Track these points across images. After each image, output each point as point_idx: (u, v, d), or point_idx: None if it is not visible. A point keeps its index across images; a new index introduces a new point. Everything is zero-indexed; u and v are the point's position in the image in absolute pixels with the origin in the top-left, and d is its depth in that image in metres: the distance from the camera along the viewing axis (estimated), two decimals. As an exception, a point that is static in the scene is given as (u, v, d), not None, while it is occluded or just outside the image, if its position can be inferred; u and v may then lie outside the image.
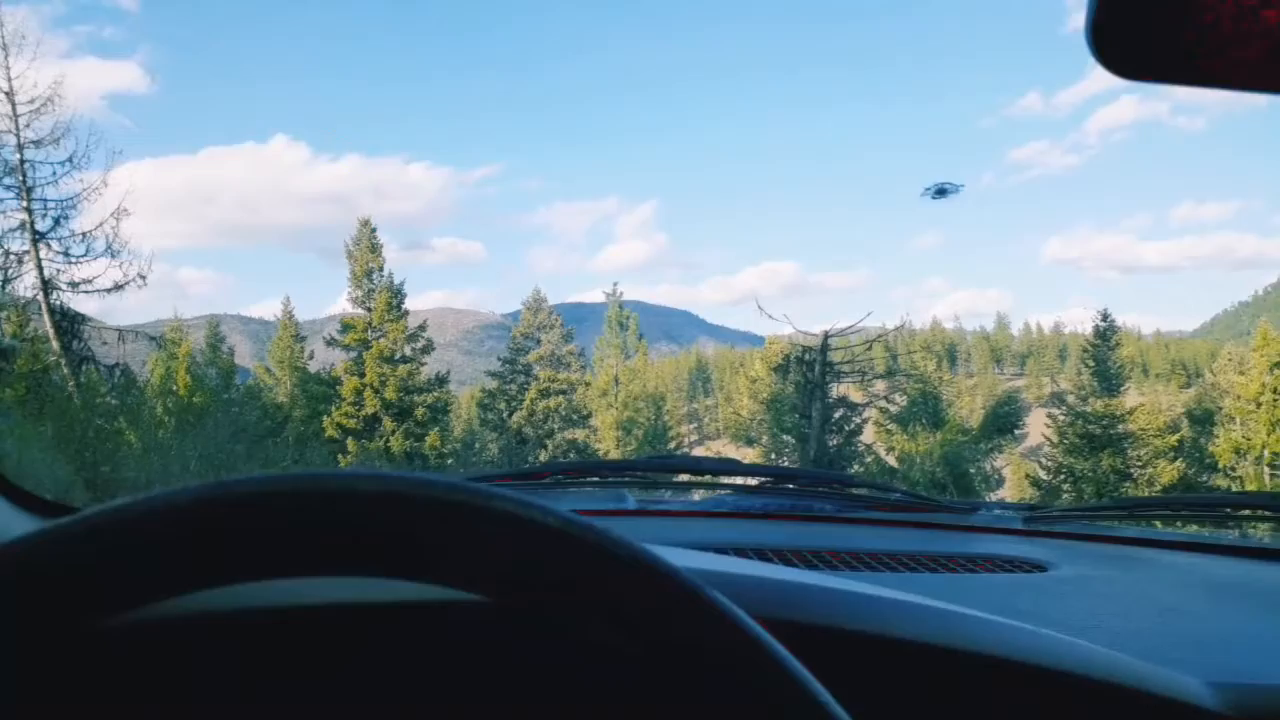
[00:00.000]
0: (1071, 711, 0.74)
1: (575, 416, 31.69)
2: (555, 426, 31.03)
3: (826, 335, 22.47)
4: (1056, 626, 0.80)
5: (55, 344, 18.48)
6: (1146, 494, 22.40)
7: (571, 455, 30.08)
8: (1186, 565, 1.46)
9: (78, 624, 0.45)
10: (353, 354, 27.29)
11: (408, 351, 27.67)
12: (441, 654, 0.69)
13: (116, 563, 0.44)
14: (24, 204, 18.95)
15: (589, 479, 1.82)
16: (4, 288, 18.58)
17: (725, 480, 1.83)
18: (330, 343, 27.88)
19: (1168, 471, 24.11)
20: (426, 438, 26.39)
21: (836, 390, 23.97)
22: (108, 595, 0.44)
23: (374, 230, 27.83)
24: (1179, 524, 2.05)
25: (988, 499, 25.04)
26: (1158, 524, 2.01)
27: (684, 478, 1.88)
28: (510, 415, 31.23)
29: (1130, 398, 29.81)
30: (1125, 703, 0.74)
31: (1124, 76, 0.53)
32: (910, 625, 0.75)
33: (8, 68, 18.63)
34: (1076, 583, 1.27)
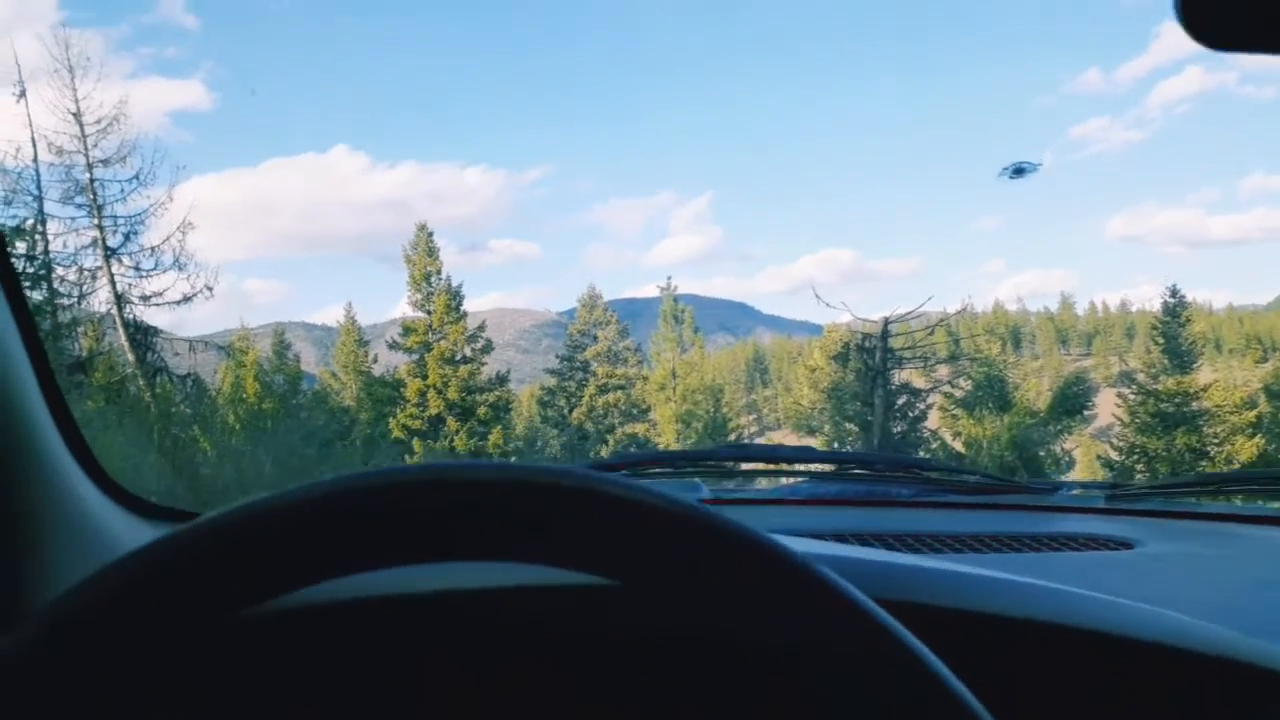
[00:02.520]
0: (1172, 684, 0.74)
1: (634, 411, 31.78)
2: (615, 421, 31.14)
3: (887, 321, 22.21)
4: (1148, 602, 0.80)
5: (130, 356, 19.08)
6: (1228, 471, 21.71)
7: (632, 449, 30.17)
8: (1278, 540, 1.43)
9: (230, 613, 0.46)
10: (415, 356, 27.71)
11: (468, 352, 28.01)
12: (568, 637, 0.72)
13: (272, 551, 0.46)
14: (95, 221, 19.58)
15: (663, 469, 1.83)
16: (80, 303, 19.23)
17: (800, 468, 1.83)
18: (393, 346, 28.35)
19: (1246, 448, 23.34)
20: (489, 436, 26.69)
21: (899, 377, 23.68)
22: (257, 584, 0.46)
23: (431, 235, 28.22)
24: (1267, 499, 2.00)
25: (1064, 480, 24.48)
26: (1243, 499, 1.96)
27: (758, 466, 1.89)
28: (571, 412, 31.43)
29: (1203, 374, 28.93)
30: (1225, 675, 0.74)
31: (1214, 48, 0.53)
32: (1007, 602, 0.75)
33: (74, 89, 19.31)
34: (1166, 559, 1.25)
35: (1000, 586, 0.78)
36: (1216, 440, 23.67)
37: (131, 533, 1.06)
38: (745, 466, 1.89)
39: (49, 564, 0.87)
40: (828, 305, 23.19)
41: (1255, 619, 0.90)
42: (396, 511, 0.46)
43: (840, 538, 1.27)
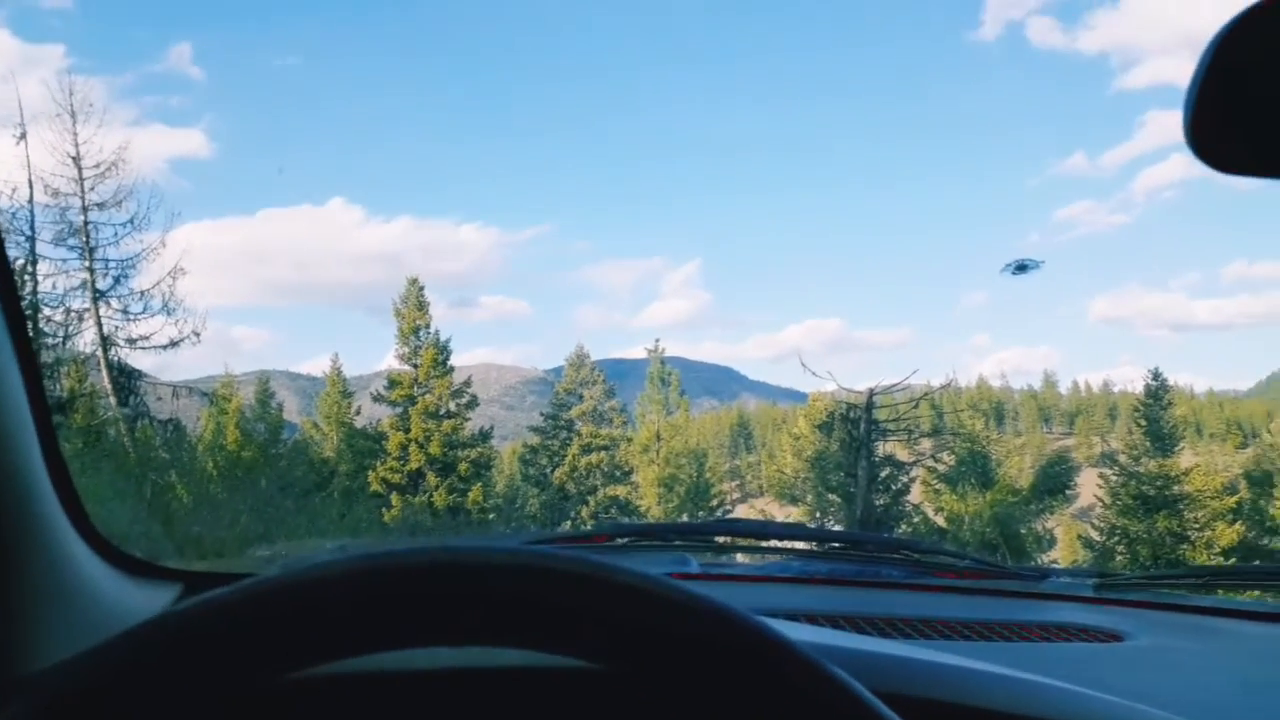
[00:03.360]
0: None
1: (617, 473, 31.63)
2: (597, 483, 30.97)
3: (871, 392, 22.29)
4: (1137, 698, 0.80)
5: (113, 399, 18.94)
6: (1206, 557, 21.75)
7: (613, 511, 29.98)
8: (1269, 636, 1.44)
9: (259, 681, 0.48)
10: (398, 410, 27.58)
11: (452, 407, 27.91)
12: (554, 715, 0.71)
13: (295, 626, 0.47)
14: (86, 264, 19.62)
15: (651, 542, 1.83)
16: (65, 344, 19.13)
17: (790, 546, 1.83)
18: (377, 398, 28.23)
19: (1226, 534, 23.35)
20: (469, 493, 26.46)
21: (882, 449, 23.69)
22: (261, 664, 0.48)
23: (421, 289, 28.30)
24: (1258, 593, 2.00)
25: (1041, 560, 24.45)
26: (1230, 593, 1.97)
27: (748, 543, 1.88)
28: (552, 471, 31.26)
29: (1185, 458, 29.07)
30: None
31: (1222, 171, 0.55)
32: (1005, 697, 0.75)
33: (75, 134, 19.46)
34: (1155, 653, 1.26)
35: (997, 682, 0.78)
36: (1197, 525, 23.68)
37: (120, 592, 1.05)
38: (739, 542, 1.88)
39: (38, 625, 0.86)
40: (814, 374, 23.20)
41: None
42: (395, 598, 0.48)
43: (833, 620, 1.26)
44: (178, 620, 0.47)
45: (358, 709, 0.71)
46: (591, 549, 1.74)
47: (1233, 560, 21.92)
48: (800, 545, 1.87)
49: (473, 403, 28.75)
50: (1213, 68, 0.52)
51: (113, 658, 0.46)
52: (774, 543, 1.81)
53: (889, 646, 0.90)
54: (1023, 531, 25.28)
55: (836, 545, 1.87)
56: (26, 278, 18.19)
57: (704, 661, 0.48)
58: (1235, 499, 25.04)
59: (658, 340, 36.98)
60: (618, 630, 0.48)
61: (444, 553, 0.48)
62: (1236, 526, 23.84)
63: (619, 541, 1.76)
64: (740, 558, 1.91)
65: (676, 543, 1.78)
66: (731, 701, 0.48)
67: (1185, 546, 23.22)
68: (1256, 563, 20.54)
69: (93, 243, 19.68)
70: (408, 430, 26.87)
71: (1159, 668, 1.19)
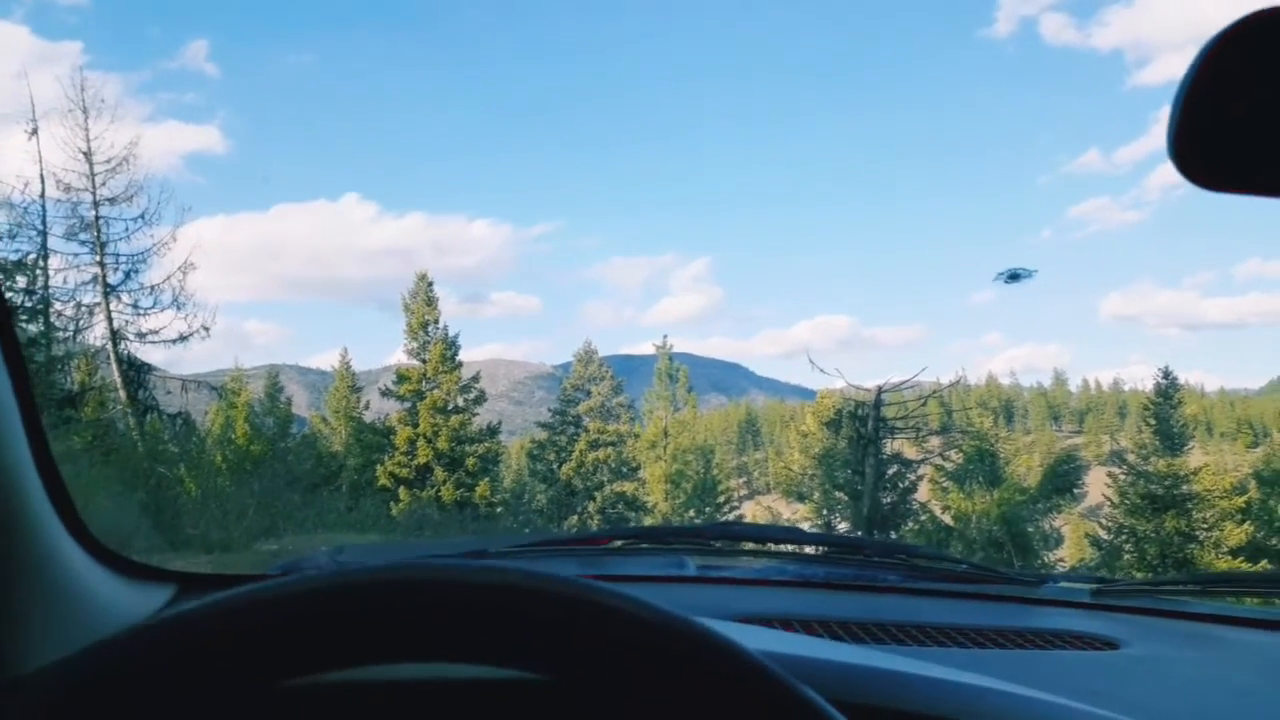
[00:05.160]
0: None
1: (624, 469, 31.62)
2: (604, 479, 30.96)
3: (880, 390, 22.23)
4: (1130, 708, 0.80)
5: (122, 393, 19.02)
6: (1214, 557, 21.65)
7: (620, 508, 29.96)
8: (1265, 644, 1.43)
9: (261, 684, 0.48)
10: (407, 404, 27.61)
11: (460, 402, 27.91)
12: None
13: (293, 633, 0.48)
14: (97, 258, 19.71)
15: (650, 545, 1.83)
16: (75, 338, 19.22)
17: (788, 549, 1.83)
18: (385, 393, 28.25)
19: (1235, 534, 23.20)
20: (477, 488, 26.49)
21: (890, 446, 23.63)
22: (277, 664, 0.48)
23: (430, 284, 28.30)
24: (1256, 600, 1.99)
25: (1047, 559, 24.38)
26: (1230, 600, 1.96)
27: (747, 546, 1.88)
28: (560, 466, 31.27)
29: (1194, 457, 28.90)
30: None
31: (1206, 188, 0.54)
32: (984, 711, 0.75)
33: (86, 129, 19.55)
34: (1150, 662, 1.25)
35: (979, 695, 0.78)
36: (1206, 525, 23.54)
37: (112, 592, 1.05)
38: (737, 546, 1.88)
39: (30, 626, 0.86)
40: (822, 371, 23.01)
41: None
42: (364, 615, 0.47)
43: (826, 625, 1.26)
44: (150, 633, 0.47)
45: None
46: (590, 552, 1.74)
47: (1241, 560, 21.83)
48: (800, 549, 1.86)
49: (481, 398, 28.75)
50: (1194, 87, 0.52)
51: (100, 660, 0.46)
52: (772, 546, 1.81)
53: (875, 657, 0.90)
54: (1030, 530, 25.17)
55: (835, 549, 1.87)
56: (38, 272, 18.28)
57: (661, 674, 0.47)
58: (1244, 499, 24.85)
59: (665, 336, 36.96)
60: (567, 643, 0.48)
61: (415, 570, 0.48)
62: (1245, 526, 23.67)
63: (617, 544, 1.76)
64: (738, 561, 1.91)
65: (675, 545, 1.78)
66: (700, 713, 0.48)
67: (1193, 546, 23.09)
68: (1262, 565, 20.46)
69: (104, 237, 19.77)
70: (416, 425, 26.90)
71: (1153, 677, 1.18)
